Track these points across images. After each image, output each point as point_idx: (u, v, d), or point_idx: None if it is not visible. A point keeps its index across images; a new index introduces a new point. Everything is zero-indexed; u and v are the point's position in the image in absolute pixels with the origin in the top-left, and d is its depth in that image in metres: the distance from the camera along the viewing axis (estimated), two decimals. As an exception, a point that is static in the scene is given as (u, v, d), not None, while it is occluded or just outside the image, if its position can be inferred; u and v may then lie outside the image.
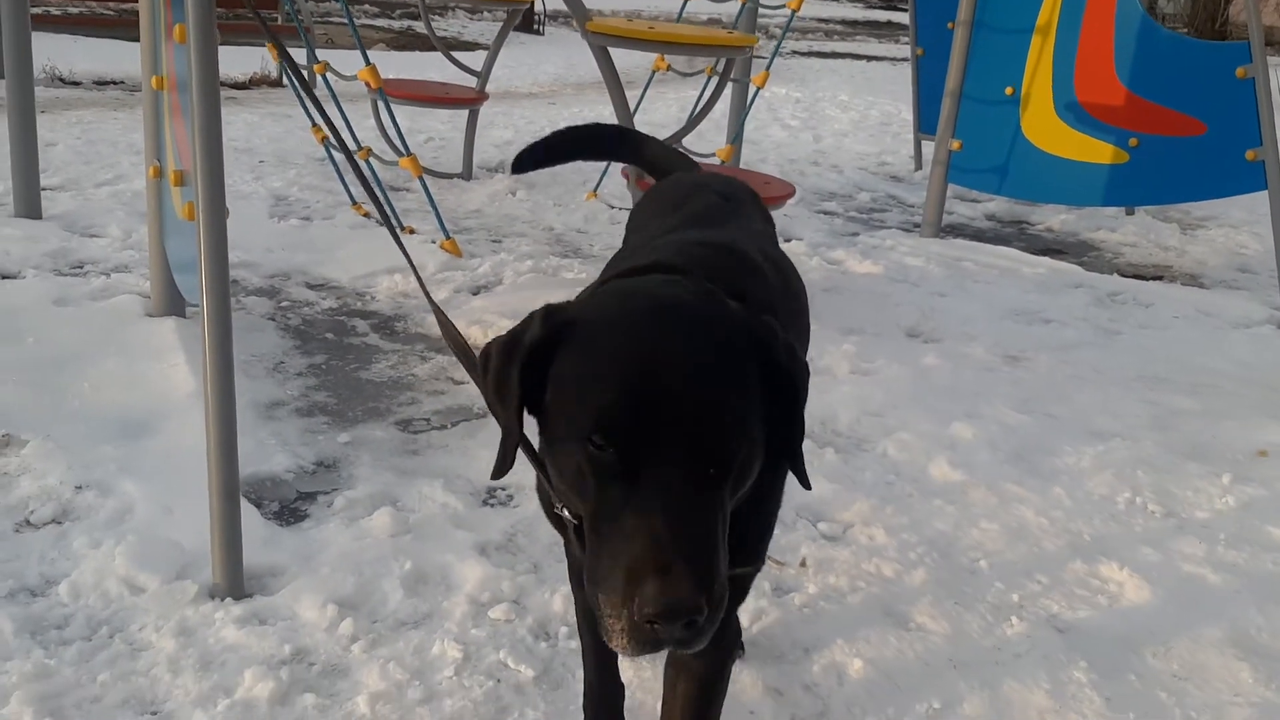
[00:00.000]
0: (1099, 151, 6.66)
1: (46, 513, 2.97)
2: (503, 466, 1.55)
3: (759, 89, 6.10)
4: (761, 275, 1.87)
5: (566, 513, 1.56)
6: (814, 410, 3.92)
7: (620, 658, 2.17)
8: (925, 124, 8.38)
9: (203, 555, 2.74)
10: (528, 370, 1.46)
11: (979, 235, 7.13)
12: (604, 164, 7.32)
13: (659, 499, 1.32)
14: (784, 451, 1.57)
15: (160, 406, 3.60)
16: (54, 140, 7.29)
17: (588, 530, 1.40)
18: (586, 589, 1.40)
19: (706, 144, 6.85)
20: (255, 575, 2.76)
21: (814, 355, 4.43)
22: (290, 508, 3.15)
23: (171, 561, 2.75)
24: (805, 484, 1.63)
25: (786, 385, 1.50)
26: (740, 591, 1.78)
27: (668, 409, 1.34)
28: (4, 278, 4.72)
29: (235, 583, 2.68)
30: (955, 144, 6.80)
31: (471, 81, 7.84)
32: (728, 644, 1.85)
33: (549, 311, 1.49)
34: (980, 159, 6.98)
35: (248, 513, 2.89)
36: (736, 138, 6.66)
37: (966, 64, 6.75)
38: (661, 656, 1.77)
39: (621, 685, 2.22)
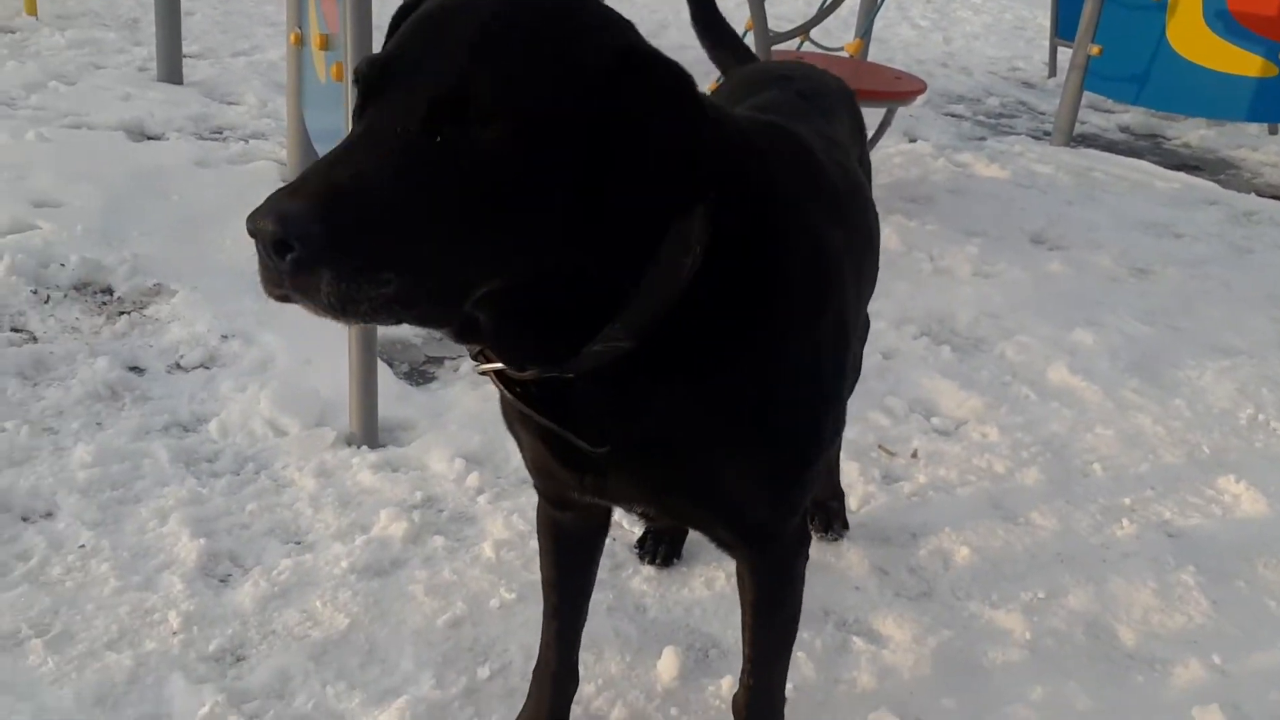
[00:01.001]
0: (1247, 63, 6.36)
1: (195, 357, 3.15)
2: None
3: (894, -17, 5.94)
4: (813, 173, 1.63)
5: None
6: (933, 308, 3.95)
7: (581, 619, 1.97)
8: (1064, 29, 8.05)
9: (339, 405, 2.90)
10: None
11: (1111, 146, 6.90)
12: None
13: (355, 129, 1.13)
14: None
15: (297, 267, 3.75)
16: (192, 10, 7.45)
17: None
18: None
19: (833, 39, 6.69)
20: (387, 427, 2.91)
21: (935, 255, 4.44)
22: (419, 369, 3.29)
23: (311, 408, 2.90)
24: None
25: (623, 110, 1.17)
26: (778, 493, 1.59)
27: (413, 48, 1.15)
28: (150, 138, 4.92)
29: (370, 432, 2.83)
30: (1095, 49, 6.54)
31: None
32: (786, 548, 1.72)
33: None
34: (1120, 66, 6.71)
35: (380, 370, 3.02)
36: (865, 32, 6.51)
37: (1114, -35, 6.47)
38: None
39: (578, 635, 1.97)
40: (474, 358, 1.41)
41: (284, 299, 1.08)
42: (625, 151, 1.16)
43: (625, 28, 1.25)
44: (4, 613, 2.13)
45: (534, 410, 1.40)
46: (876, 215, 2.02)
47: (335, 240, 1.02)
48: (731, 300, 1.37)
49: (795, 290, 1.44)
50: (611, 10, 1.27)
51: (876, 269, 2.04)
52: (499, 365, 1.35)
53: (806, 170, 1.63)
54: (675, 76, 1.22)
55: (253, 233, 1.03)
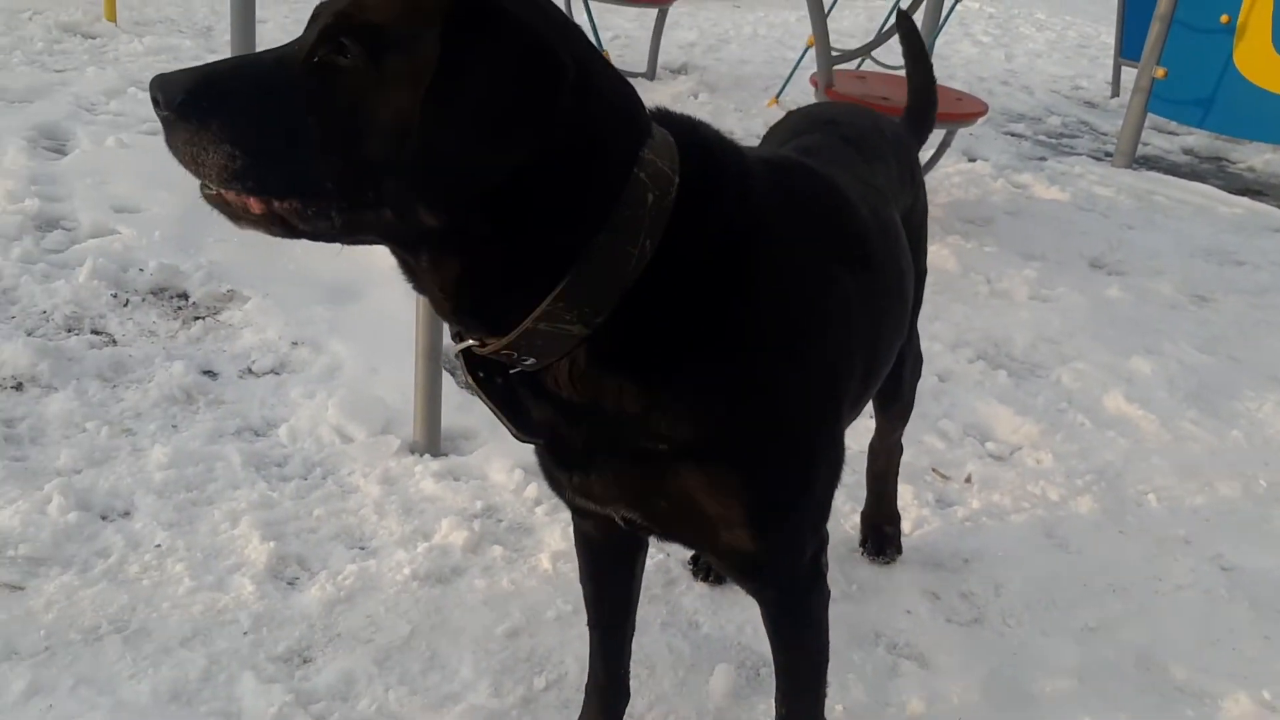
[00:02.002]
0: (1316, 89, 6.30)
1: (266, 363, 3.25)
2: None
3: None
4: (833, 214, 1.65)
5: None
6: (990, 331, 3.96)
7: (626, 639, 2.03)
8: (1128, 49, 8.00)
9: (404, 413, 2.98)
10: None
11: (1174, 169, 6.84)
12: (789, 71, 7.27)
13: None
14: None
15: (364, 275, 3.84)
16: (265, 18, 7.62)
17: None
18: None
19: (895, 57, 6.69)
20: (449, 436, 2.99)
21: (992, 277, 4.44)
22: (480, 379, 3.35)
23: (377, 416, 2.99)
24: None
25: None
26: (757, 526, 1.53)
27: None
28: (223, 145, 5.05)
29: (433, 440, 2.91)
30: (1160, 71, 6.50)
31: (662, -21, 7.82)
32: (792, 587, 1.70)
33: None
34: (1185, 89, 6.67)
35: (443, 379, 3.10)
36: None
37: (1182, -13, 6.42)
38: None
39: (627, 653, 2.04)
40: (453, 338, 1.43)
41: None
42: (455, 100, 1.19)
43: None
44: (85, 609, 2.23)
45: (481, 391, 1.42)
46: (910, 262, 2.02)
47: (188, 106, 1.22)
48: (689, 311, 1.35)
49: (768, 318, 1.42)
50: None
51: (904, 317, 2.03)
52: (468, 343, 1.38)
53: (824, 209, 1.63)
54: (513, 33, 1.21)
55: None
